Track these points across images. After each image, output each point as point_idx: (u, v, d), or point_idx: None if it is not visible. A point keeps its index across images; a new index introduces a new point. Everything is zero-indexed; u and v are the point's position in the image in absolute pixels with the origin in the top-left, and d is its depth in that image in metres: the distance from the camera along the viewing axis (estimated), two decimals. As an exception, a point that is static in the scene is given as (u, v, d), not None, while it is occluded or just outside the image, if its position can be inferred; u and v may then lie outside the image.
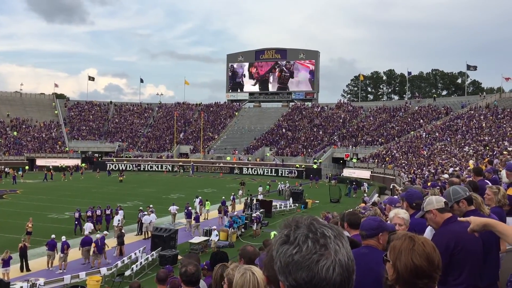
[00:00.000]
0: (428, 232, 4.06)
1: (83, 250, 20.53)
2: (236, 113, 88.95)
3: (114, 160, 70.70)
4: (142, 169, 69.04)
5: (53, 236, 20.28)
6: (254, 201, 33.62)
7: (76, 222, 26.77)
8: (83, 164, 69.33)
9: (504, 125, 45.97)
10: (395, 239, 2.14)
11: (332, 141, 71.76)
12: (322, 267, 1.20)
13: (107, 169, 64.93)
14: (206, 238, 23.76)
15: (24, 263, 19.34)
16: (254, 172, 65.65)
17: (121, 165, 68.91)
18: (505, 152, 23.97)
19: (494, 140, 38.87)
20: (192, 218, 27.77)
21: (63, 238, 20.12)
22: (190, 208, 29.31)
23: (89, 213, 27.47)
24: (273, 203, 34.82)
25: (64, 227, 27.15)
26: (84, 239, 20.74)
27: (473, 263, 3.52)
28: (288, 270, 1.24)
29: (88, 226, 24.59)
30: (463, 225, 3.55)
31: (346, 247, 1.27)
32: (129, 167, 68.62)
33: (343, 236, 1.29)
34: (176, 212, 29.65)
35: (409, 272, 2.00)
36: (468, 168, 21.26)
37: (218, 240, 23.55)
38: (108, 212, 28.28)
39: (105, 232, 23.03)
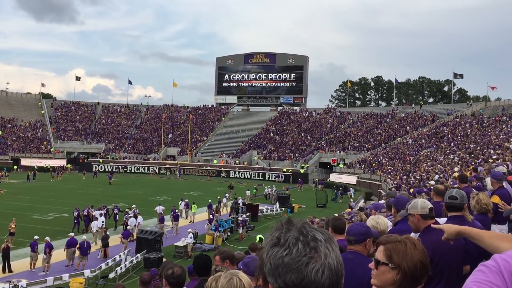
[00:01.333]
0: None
1: (68, 251, 20.29)
2: (224, 118, 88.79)
3: (101, 161, 70.14)
4: (128, 171, 68.57)
5: (36, 237, 20.01)
6: (241, 205, 33.62)
7: (76, 221, 27.08)
8: (69, 165, 68.62)
9: (489, 133, 46.53)
10: (394, 242, 2.17)
11: (319, 146, 72.04)
12: (312, 270, 1.20)
13: (93, 170, 64.21)
14: (192, 240, 23.64)
15: (6, 264, 19.08)
16: (241, 175, 65.63)
17: (108, 167, 68.37)
18: (490, 160, 24.26)
19: (479, 148, 39.32)
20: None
21: (47, 239, 19.86)
22: (176, 210, 29.35)
23: (85, 212, 27.70)
24: (260, 207, 34.85)
25: (48, 228, 26.83)
26: (70, 241, 20.49)
27: (451, 271, 3.54)
28: (277, 272, 1.24)
29: (95, 225, 25.02)
30: (441, 234, 3.57)
31: (336, 251, 1.27)
32: (115, 169, 68.06)
33: (333, 240, 1.30)
34: (162, 212, 29.43)
35: (419, 271, 2.07)
36: (453, 175, 21.48)
37: (193, 243, 23.26)
38: (104, 211, 28.26)
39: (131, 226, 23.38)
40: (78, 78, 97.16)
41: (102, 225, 24.91)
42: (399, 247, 2.13)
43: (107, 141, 79.80)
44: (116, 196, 40.77)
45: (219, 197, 37.52)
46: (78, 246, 20.02)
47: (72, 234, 21.19)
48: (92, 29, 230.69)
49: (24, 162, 67.18)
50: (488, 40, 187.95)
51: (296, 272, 1.21)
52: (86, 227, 27.14)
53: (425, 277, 2.09)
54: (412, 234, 4.27)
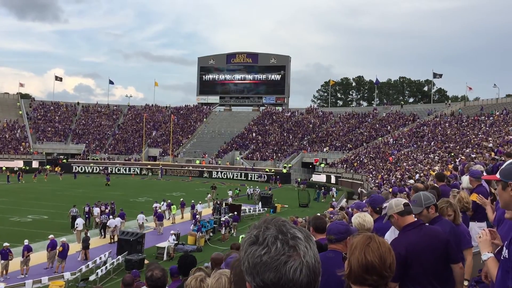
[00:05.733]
0: (387, 236, 4.08)
1: (51, 253, 19.88)
2: (205, 119, 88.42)
3: (65, 161, 69.34)
4: (109, 171, 67.80)
5: (5, 244, 18.94)
6: (223, 205, 33.63)
7: (87, 216, 28.30)
8: (48, 166, 67.56)
9: (468, 133, 47.28)
10: (355, 237, 2.21)
11: (301, 146, 72.30)
12: (290, 268, 1.21)
13: (73, 171, 63.22)
14: (174, 242, 23.45)
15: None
16: (224, 176, 65.49)
17: (88, 168, 67.71)
18: (463, 157, 24.60)
19: (458, 147, 39.90)
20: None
21: (26, 242, 19.42)
22: (159, 210, 29.52)
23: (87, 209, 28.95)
24: (242, 207, 34.82)
25: (27, 230, 26.32)
26: (53, 242, 20.09)
27: (426, 273, 3.53)
28: (255, 270, 1.24)
29: (112, 223, 25.42)
30: (419, 234, 3.57)
31: (314, 249, 1.29)
32: (96, 170, 67.37)
33: (311, 238, 1.32)
34: (142, 223, 28.22)
35: (360, 266, 2.08)
36: (433, 174, 21.70)
37: (175, 244, 23.02)
38: (105, 209, 29.11)
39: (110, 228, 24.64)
40: (58, 78, 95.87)
41: (76, 226, 24.72)
42: (354, 242, 2.17)
43: (87, 142, 78.85)
44: (97, 198, 40.15)
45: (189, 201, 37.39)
46: (61, 248, 19.59)
47: (52, 236, 20.76)
48: (72, 28, 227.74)
49: (1, 163, 65.91)
50: (467, 41, 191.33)
51: (274, 271, 1.22)
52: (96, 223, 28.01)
53: (373, 277, 2.06)
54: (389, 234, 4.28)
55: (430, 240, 3.59)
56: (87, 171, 67.03)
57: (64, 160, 70.81)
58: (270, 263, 1.22)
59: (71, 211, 27.97)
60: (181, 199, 35.08)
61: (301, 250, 1.25)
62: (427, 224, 3.94)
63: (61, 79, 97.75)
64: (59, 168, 63.39)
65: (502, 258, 2.43)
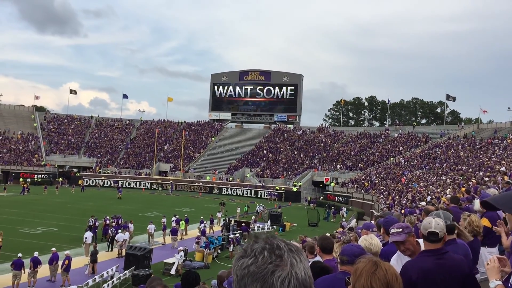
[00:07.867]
0: (394, 261, 4.01)
1: (57, 266, 19.85)
2: (214, 138, 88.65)
3: (78, 174, 69.86)
4: (120, 185, 68.04)
5: (19, 255, 18.99)
6: (232, 222, 33.52)
7: (96, 230, 28.26)
8: (60, 179, 68.02)
9: (481, 156, 46.76)
10: (359, 262, 2.15)
11: (312, 165, 72.04)
12: (278, 278, 1.20)
13: (81, 184, 63.27)
14: (183, 258, 23.35)
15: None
16: (234, 192, 65.35)
17: (99, 181, 68.09)
18: (473, 180, 24.32)
19: (471, 170, 39.44)
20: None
21: (36, 254, 19.44)
22: (174, 225, 30.01)
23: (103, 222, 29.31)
24: (251, 225, 34.63)
25: (36, 242, 26.39)
26: (55, 255, 20.08)
27: None
28: (243, 283, 1.24)
29: (120, 237, 25.47)
30: (437, 262, 3.47)
31: (305, 263, 1.28)
32: (107, 183, 67.68)
33: (302, 253, 1.31)
34: (153, 232, 28.90)
35: None
36: (446, 196, 21.45)
37: (183, 261, 22.91)
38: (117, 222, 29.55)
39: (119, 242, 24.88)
40: (72, 92, 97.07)
41: (85, 240, 24.74)
42: (359, 267, 2.11)
43: (99, 156, 79.39)
44: (106, 211, 40.28)
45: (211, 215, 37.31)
46: (67, 262, 19.52)
47: (54, 249, 20.67)
48: (88, 43, 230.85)
49: (14, 174, 66.66)
50: (481, 63, 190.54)
51: (261, 280, 1.21)
52: (104, 236, 28.02)
53: None
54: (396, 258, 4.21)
55: (447, 271, 3.41)
56: (98, 184, 67.37)
57: (77, 174, 71.36)
58: (258, 272, 1.21)
59: (89, 221, 28.75)
60: (185, 215, 35.08)
61: (288, 260, 1.23)
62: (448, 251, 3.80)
63: (75, 92, 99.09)
64: (82, 182, 63.78)
65: (509, 285, 2.39)
